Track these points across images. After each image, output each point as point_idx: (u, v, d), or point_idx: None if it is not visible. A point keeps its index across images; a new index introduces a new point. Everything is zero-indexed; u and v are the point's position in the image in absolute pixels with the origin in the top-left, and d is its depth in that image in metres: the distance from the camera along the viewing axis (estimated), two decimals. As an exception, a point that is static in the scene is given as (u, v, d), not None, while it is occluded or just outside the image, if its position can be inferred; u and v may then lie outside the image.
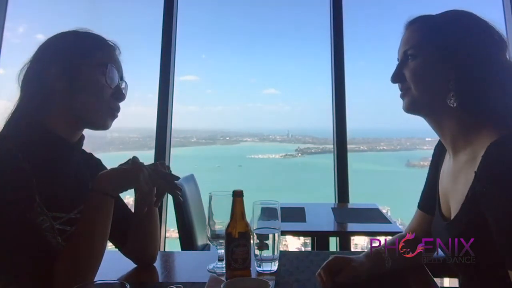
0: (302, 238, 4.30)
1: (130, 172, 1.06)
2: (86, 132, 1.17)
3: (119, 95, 1.13)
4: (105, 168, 1.24)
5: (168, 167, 1.18)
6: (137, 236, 1.23)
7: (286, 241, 4.03)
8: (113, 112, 1.13)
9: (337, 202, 3.37)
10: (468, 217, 0.94)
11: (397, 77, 1.06)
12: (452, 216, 1.00)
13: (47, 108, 1.06)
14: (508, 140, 0.88)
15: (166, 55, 3.52)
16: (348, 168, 3.44)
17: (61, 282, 0.92)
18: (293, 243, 4.46)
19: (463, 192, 0.94)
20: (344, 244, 2.98)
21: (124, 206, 1.28)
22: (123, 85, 1.18)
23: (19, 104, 1.06)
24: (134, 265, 1.26)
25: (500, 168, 0.85)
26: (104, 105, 1.10)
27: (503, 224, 0.84)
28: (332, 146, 3.53)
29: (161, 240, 3.08)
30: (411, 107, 1.05)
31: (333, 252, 1.42)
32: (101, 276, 0.98)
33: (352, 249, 2.96)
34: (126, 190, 1.08)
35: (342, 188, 3.39)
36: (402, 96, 1.06)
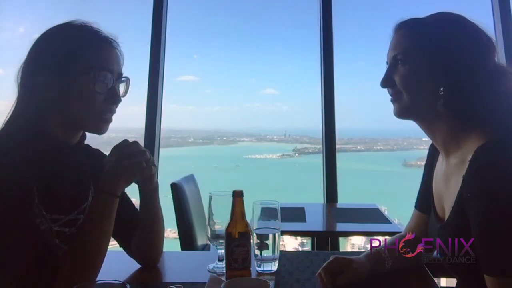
0: (299, 238, 4.31)
1: (132, 166, 1.05)
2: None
3: (112, 99, 1.07)
4: None
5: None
6: (142, 235, 1.22)
7: (283, 241, 4.04)
8: (107, 118, 1.08)
9: (325, 202, 3.35)
10: (457, 221, 0.95)
11: (387, 82, 1.06)
12: (445, 219, 1.01)
13: (42, 113, 1.04)
14: (494, 145, 0.89)
15: (155, 55, 3.49)
16: (337, 168, 3.42)
17: (66, 281, 0.91)
18: (291, 243, 4.46)
19: (454, 196, 0.95)
20: (335, 244, 2.96)
21: (131, 205, 1.26)
22: (122, 82, 1.11)
23: (15, 108, 1.05)
24: (135, 265, 1.26)
25: (484, 174, 0.86)
26: (95, 112, 1.05)
27: (480, 230, 0.86)
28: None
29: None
30: (402, 113, 1.05)
31: (333, 252, 1.42)
32: (102, 276, 0.98)
33: (349, 249, 2.96)
34: (129, 185, 1.08)
35: (331, 188, 3.37)
36: (393, 102, 1.07)
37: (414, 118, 1.06)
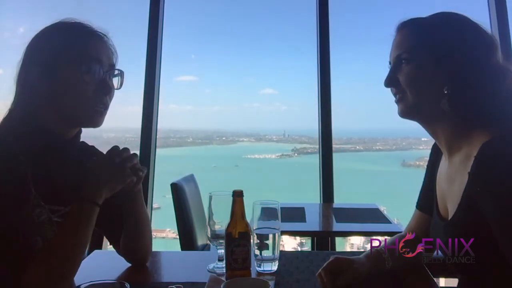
0: (298, 238, 4.30)
1: (116, 174, 1.03)
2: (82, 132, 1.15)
3: (103, 88, 1.06)
4: None
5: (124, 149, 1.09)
6: (128, 237, 1.21)
7: (282, 241, 4.03)
8: (99, 109, 1.07)
9: (321, 202, 3.35)
10: (464, 218, 0.94)
11: (390, 81, 1.05)
12: (449, 217, 1.01)
13: (36, 109, 1.05)
14: (499, 140, 0.89)
15: (152, 55, 3.48)
16: (335, 168, 3.42)
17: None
18: (290, 243, 4.46)
19: (459, 193, 0.95)
20: (334, 244, 2.95)
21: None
22: (115, 76, 1.11)
23: (12, 106, 1.06)
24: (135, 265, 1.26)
25: (493, 167, 0.85)
26: (86, 104, 1.04)
27: (503, 222, 0.84)
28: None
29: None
30: (407, 113, 1.05)
31: (333, 252, 1.42)
32: (101, 275, 0.98)
33: (348, 249, 2.95)
34: (111, 194, 1.04)
35: (327, 189, 3.37)
36: (397, 102, 1.06)
37: (418, 118, 1.06)
